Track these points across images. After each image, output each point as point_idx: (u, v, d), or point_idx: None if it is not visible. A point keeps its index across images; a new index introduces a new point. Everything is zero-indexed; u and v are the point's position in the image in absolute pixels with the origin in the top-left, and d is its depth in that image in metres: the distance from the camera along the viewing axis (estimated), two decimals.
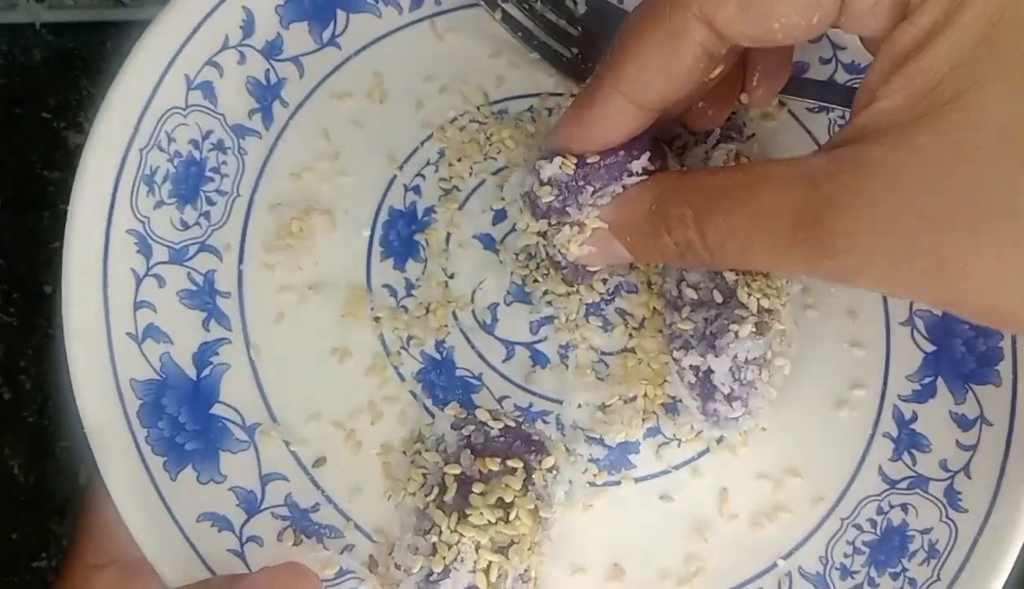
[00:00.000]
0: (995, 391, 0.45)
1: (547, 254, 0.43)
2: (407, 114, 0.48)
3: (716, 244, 0.36)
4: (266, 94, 0.47)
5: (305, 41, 0.48)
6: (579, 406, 0.45)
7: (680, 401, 0.45)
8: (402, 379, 0.45)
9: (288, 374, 0.44)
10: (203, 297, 0.44)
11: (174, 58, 0.44)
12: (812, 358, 0.46)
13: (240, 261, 0.45)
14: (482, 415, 0.43)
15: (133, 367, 0.42)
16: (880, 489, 0.45)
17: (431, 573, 0.39)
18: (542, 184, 0.41)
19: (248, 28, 0.46)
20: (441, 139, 0.48)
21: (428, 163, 0.48)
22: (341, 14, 0.49)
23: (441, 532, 0.39)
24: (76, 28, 0.62)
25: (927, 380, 0.46)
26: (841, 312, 0.47)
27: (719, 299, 0.43)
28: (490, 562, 0.39)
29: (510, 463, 0.40)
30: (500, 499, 0.40)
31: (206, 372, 0.43)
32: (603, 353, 0.46)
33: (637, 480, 0.45)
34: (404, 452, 0.43)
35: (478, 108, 0.49)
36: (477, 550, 0.39)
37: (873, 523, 0.44)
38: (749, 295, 0.42)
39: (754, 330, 0.42)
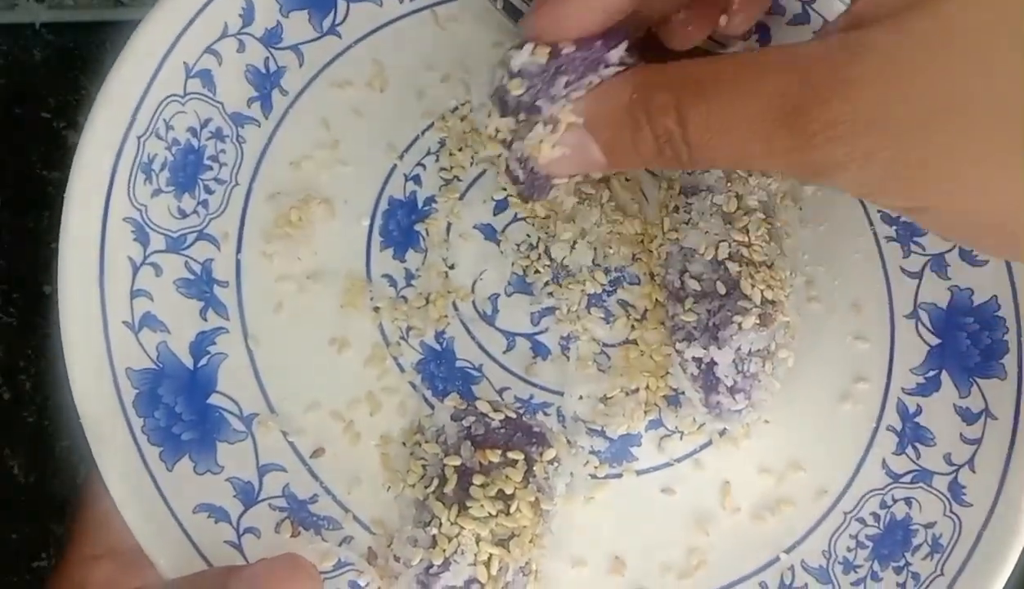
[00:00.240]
0: (1000, 385, 0.44)
1: (506, 167, 0.40)
2: (408, 103, 0.48)
3: (697, 135, 0.35)
4: (265, 82, 0.46)
5: (305, 29, 0.47)
6: (580, 398, 0.45)
7: (682, 393, 0.44)
8: (402, 370, 0.44)
9: (286, 364, 0.44)
10: (200, 286, 0.44)
11: (173, 45, 0.44)
12: (816, 351, 0.46)
13: (238, 250, 0.45)
14: (483, 406, 0.42)
15: (129, 356, 0.41)
16: (884, 483, 0.44)
17: (431, 565, 0.38)
18: (512, 76, 0.38)
19: (248, 16, 0.46)
20: (442, 129, 0.48)
21: (429, 152, 0.47)
22: (341, 2, 0.48)
23: (441, 524, 0.39)
24: (76, 28, 0.62)
25: (931, 373, 0.46)
26: (845, 305, 0.47)
27: (722, 290, 0.42)
28: (491, 555, 0.38)
29: (511, 455, 0.40)
30: (501, 491, 0.39)
31: (203, 362, 0.43)
32: (605, 345, 0.46)
33: (639, 473, 0.44)
34: (404, 443, 0.43)
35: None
36: (477, 542, 0.38)
37: (876, 517, 0.44)
38: (753, 286, 0.42)
39: (758, 322, 0.42)
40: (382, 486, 0.43)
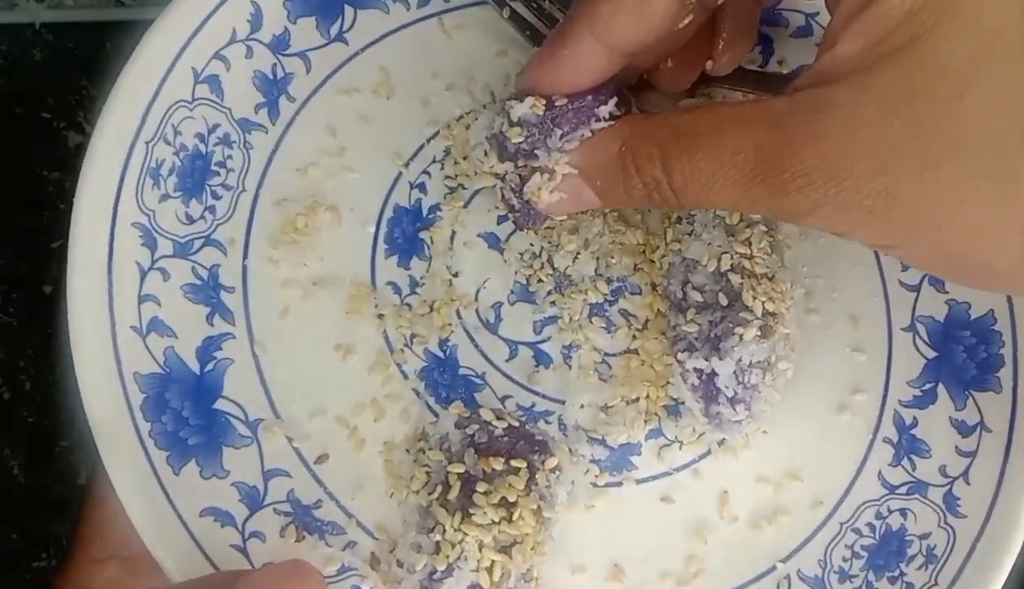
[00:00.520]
0: (995, 398, 0.45)
1: (502, 196, 0.43)
2: (413, 111, 0.48)
3: (681, 183, 0.37)
4: (273, 89, 0.47)
5: (312, 36, 0.48)
6: (582, 407, 0.45)
7: (682, 403, 0.45)
8: (405, 377, 0.45)
9: (291, 370, 0.44)
10: (207, 291, 0.44)
11: (181, 51, 0.44)
12: (814, 363, 0.46)
13: (245, 256, 0.45)
14: (486, 414, 0.43)
15: (137, 361, 0.42)
16: (879, 494, 0.45)
17: (434, 571, 0.39)
18: (512, 125, 0.41)
19: (256, 22, 0.46)
20: (447, 137, 0.48)
21: (434, 161, 0.48)
22: (349, 10, 0.48)
23: (445, 531, 0.39)
24: (76, 28, 0.61)
25: (928, 386, 0.46)
26: (843, 317, 0.47)
27: (724, 302, 0.43)
28: (493, 561, 0.39)
29: (514, 463, 0.41)
30: (504, 499, 0.40)
31: (210, 367, 0.43)
32: (606, 354, 0.46)
33: (638, 481, 0.45)
34: (408, 450, 0.43)
35: (484, 107, 0.49)
36: (480, 549, 0.39)
37: (872, 527, 0.45)
38: (754, 298, 0.43)
39: (759, 333, 0.42)
40: (385, 492, 0.43)
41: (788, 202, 0.35)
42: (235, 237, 0.45)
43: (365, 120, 0.48)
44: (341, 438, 0.44)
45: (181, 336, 0.43)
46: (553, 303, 0.47)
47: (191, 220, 0.44)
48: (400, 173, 0.47)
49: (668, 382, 0.45)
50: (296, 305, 0.45)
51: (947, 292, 0.47)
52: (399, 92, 0.48)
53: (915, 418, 0.46)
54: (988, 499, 0.44)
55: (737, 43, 0.44)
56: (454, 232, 0.47)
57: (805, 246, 0.48)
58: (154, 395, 0.42)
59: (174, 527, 0.40)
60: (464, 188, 0.48)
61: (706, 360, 0.43)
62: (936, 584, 0.43)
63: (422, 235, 0.47)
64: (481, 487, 0.40)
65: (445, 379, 0.45)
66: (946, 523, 0.44)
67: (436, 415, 0.44)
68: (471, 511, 0.39)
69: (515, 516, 0.40)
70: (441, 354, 0.45)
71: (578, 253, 0.47)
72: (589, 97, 0.40)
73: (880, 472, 0.45)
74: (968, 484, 0.44)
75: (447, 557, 0.39)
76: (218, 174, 0.45)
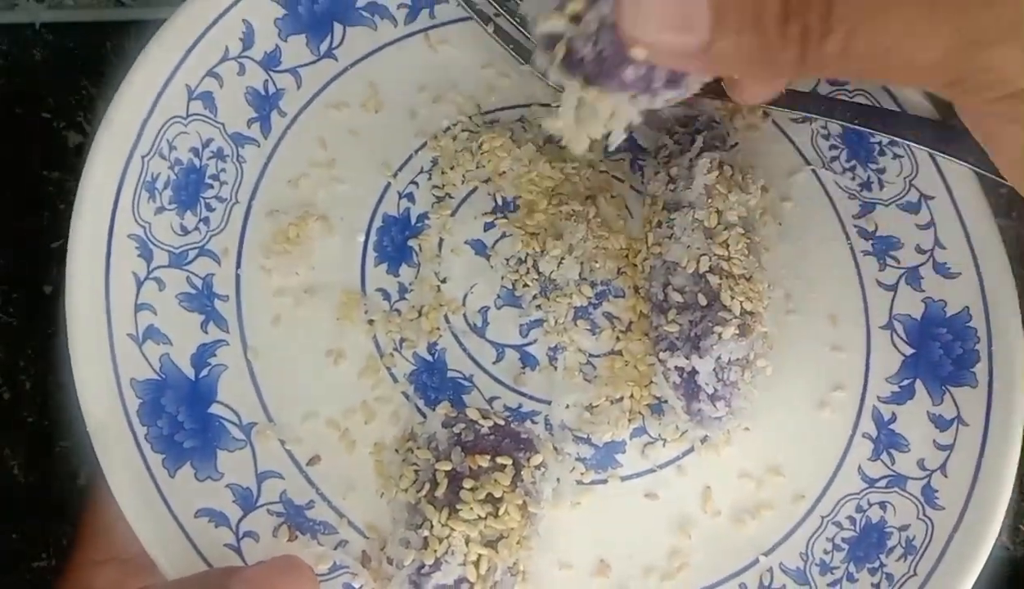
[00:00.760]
0: (971, 393, 0.46)
1: (567, 50, 0.34)
2: (401, 123, 0.50)
3: (847, 35, 0.30)
4: (264, 104, 0.48)
5: (303, 53, 0.49)
6: (567, 407, 0.46)
7: (665, 402, 0.46)
8: (395, 380, 0.46)
9: (284, 375, 0.45)
10: (202, 300, 0.45)
11: (176, 69, 0.46)
12: (794, 361, 0.48)
13: (238, 265, 0.46)
14: (472, 414, 0.44)
15: (134, 367, 0.43)
16: (859, 487, 0.46)
17: (422, 566, 0.40)
18: None
19: (248, 40, 0.48)
20: (434, 148, 0.50)
21: (421, 171, 0.49)
22: (338, 27, 0.50)
23: (432, 526, 0.40)
24: (76, 28, 0.62)
25: (906, 382, 0.47)
26: (823, 316, 0.49)
27: (703, 302, 0.44)
28: (480, 555, 0.40)
29: (499, 460, 0.42)
30: (489, 495, 0.41)
31: (204, 373, 0.44)
32: (591, 355, 0.47)
33: (623, 478, 0.46)
34: (397, 450, 0.44)
35: (470, 118, 0.50)
36: (467, 544, 0.40)
37: (852, 520, 0.45)
38: (732, 298, 0.44)
39: (737, 332, 0.43)
40: (376, 492, 0.44)
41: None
42: (228, 247, 0.46)
43: (354, 133, 0.49)
44: (332, 440, 0.45)
45: (176, 343, 0.44)
46: (539, 307, 0.48)
47: (186, 231, 0.46)
48: (389, 183, 0.49)
49: (651, 381, 0.47)
50: (288, 312, 0.46)
51: (923, 290, 0.48)
52: (387, 105, 0.50)
53: (893, 413, 0.47)
54: (965, 491, 0.45)
55: None
56: (442, 239, 0.48)
57: (785, 248, 0.49)
58: (150, 400, 0.43)
59: (170, 528, 0.41)
60: (451, 197, 0.49)
61: (687, 359, 0.44)
62: (915, 574, 0.44)
63: (410, 243, 0.48)
64: (468, 484, 0.41)
65: (434, 382, 0.46)
66: (924, 515, 0.45)
67: (425, 416, 0.45)
68: (458, 507, 0.40)
69: (501, 511, 0.41)
70: (430, 357, 0.47)
71: (562, 258, 0.48)
72: None
73: (860, 466, 0.46)
74: (946, 477, 0.45)
75: (435, 552, 0.40)
76: (212, 187, 0.47)
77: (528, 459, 0.43)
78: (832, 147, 0.52)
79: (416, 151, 0.50)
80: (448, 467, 0.42)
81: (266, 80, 0.48)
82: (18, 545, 0.55)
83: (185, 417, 0.43)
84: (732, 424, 0.45)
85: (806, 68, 0.31)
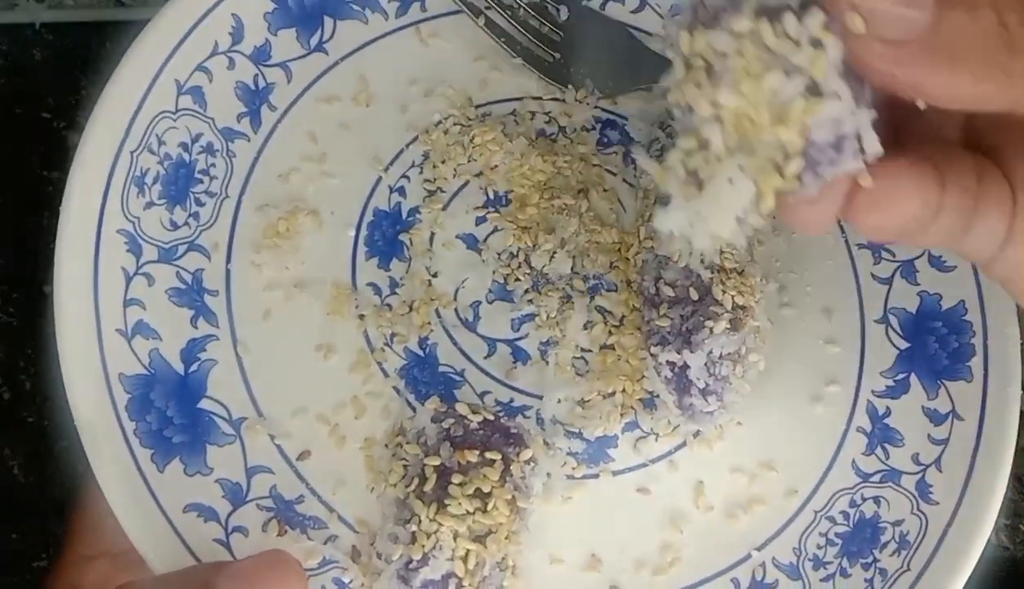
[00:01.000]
0: (966, 387, 0.46)
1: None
2: (392, 117, 0.50)
3: None
4: (254, 98, 0.48)
5: (293, 47, 0.49)
6: (559, 401, 0.46)
7: (657, 396, 0.46)
8: (386, 375, 0.46)
9: (274, 370, 0.45)
10: (191, 295, 0.45)
11: (165, 63, 0.46)
12: (788, 355, 0.47)
13: (228, 260, 0.46)
14: (462, 409, 0.44)
15: (123, 362, 0.43)
16: (853, 482, 0.46)
17: (410, 561, 0.39)
18: None
19: (237, 34, 0.48)
20: (425, 142, 0.49)
21: (413, 165, 0.49)
22: (328, 20, 0.50)
23: (421, 521, 0.40)
24: (76, 28, 0.62)
25: (900, 376, 0.47)
26: (817, 310, 0.48)
27: (695, 296, 0.44)
28: (468, 550, 0.40)
29: (488, 455, 0.41)
30: (478, 489, 0.41)
31: (194, 368, 0.44)
32: (583, 350, 0.47)
33: (615, 473, 0.45)
34: (386, 445, 0.44)
35: (462, 111, 0.50)
36: (455, 538, 0.40)
37: (846, 515, 0.45)
38: (724, 292, 0.43)
39: (728, 326, 0.43)
40: (366, 487, 0.44)
41: None
42: (218, 242, 0.46)
43: (345, 127, 0.49)
44: (323, 435, 0.44)
45: (166, 338, 0.44)
46: (530, 301, 0.48)
47: (175, 226, 0.46)
48: (380, 177, 0.49)
49: (643, 376, 0.46)
50: (278, 307, 0.46)
51: (919, 284, 0.48)
52: (378, 99, 0.50)
53: (888, 408, 0.47)
54: (959, 486, 0.44)
55: None
56: (433, 234, 0.48)
57: (779, 242, 0.49)
58: (139, 395, 0.43)
59: (158, 522, 0.41)
60: (443, 191, 0.49)
61: (678, 353, 0.43)
62: (908, 569, 0.43)
63: (402, 237, 0.48)
64: (456, 479, 0.41)
65: (425, 376, 0.46)
66: (918, 510, 0.44)
67: (415, 411, 0.45)
68: (446, 502, 0.40)
69: (489, 506, 0.40)
70: (421, 352, 0.46)
71: (555, 252, 0.48)
72: None
73: (854, 461, 0.46)
74: (940, 471, 0.45)
75: (423, 547, 0.40)
76: (201, 182, 0.47)
77: (518, 454, 0.42)
78: None
79: (407, 145, 0.49)
80: (436, 462, 0.41)
81: (256, 74, 0.48)
82: (18, 545, 0.55)
83: (174, 412, 0.43)
84: (724, 418, 0.45)
85: None
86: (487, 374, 0.46)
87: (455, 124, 0.50)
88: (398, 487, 0.42)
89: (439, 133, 0.49)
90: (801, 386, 0.47)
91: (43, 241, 0.57)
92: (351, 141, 0.49)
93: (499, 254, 0.48)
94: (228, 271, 0.46)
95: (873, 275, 0.48)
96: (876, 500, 0.45)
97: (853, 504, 0.45)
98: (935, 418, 0.46)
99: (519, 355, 0.47)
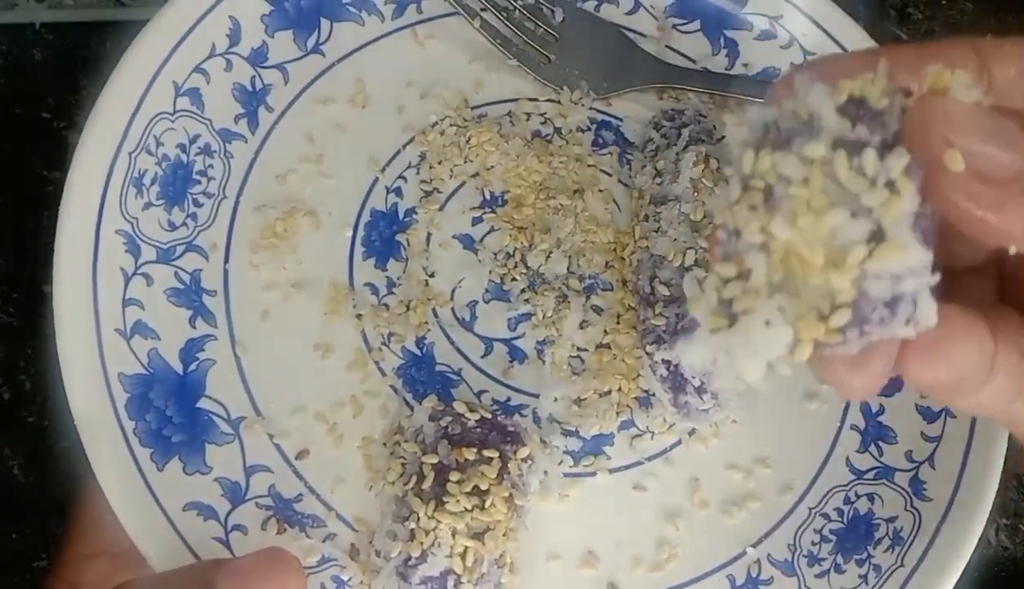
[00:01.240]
0: None
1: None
2: (389, 119, 0.50)
3: None
4: (252, 100, 0.48)
5: (290, 49, 0.50)
6: (555, 400, 0.46)
7: (653, 395, 0.46)
8: (383, 374, 0.46)
9: (272, 369, 0.45)
10: (190, 295, 0.45)
11: (162, 65, 0.46)
12: None
13: (226, 260, 0.46)
14: (459, 407, 0.44)
15: (122, 362, 0.43)
16: (847, 479, 0.46)
17: (409, 558, 0.40)
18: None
19: (234, 36, 0.48)
20: (422, 143, 0.50)
21: (409, 166, 0.49)
22: (325, 23, 0.50)
23: (419, 519, 0.40)
24: (76, 28, 0.62)
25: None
26: None
27: None
28: (466, 547, 0.40)
29: (486, 453, 0.42)
30: (476, 487, 0.41)
31: (192, 367, 0.45)
32: (579, 349, 0.47)
33: (611, 471, 0.46)
34: (384, 443, 0.45)
35: (458, 113, 0.50)
36: (453, 536, 0.40)
37: (840, 512, 0.46)
38: None
39: None
40: (364, 485, 0.44)
41: None
42: (216, 242, 0.47)
43: (342, 128, 0.49)
44: (321, 434, 0.45)
45: (164, 338, 0.44)
46: (527, 301, 0.48)
47: (173, 227, 0.46)
48: (376, 178, 0.49)
49: (639, 374, 0.47)
50: (276, 307, 0.46)
51: None
52: (374, 101, 0.50)
53: (882, 405, 0.47)
54: (952, 482, 0.45)
55: None
56: (430, 234, 0.49)
57: None
58: (138, 395, 0.43)
59: (158, 521, 0.41)
60: (439, 192, 0.49)
61: (673, 351, 0.44)
62: (902, 565, 0.44)
63: (398, 237, 0.48)
64: (454, 476, 0.41)
65: (422, 376, 0.46)
66: (912, 506, 0.45)
67: (412, 410, 0.45)
68: (444, 499, 0.40)
69: (487, 504, 0.41)
70: (418, 351, 0.47)
71: (550, 252, 0.48)
72: None
73: (848, 458, 0.46)
74: (933, 468, 0.46)
75: (421, 544, 0.40)
76: (199, 182, 0.47)
77: (515, 452, 0.43)
78: None
79: (404, 146, 0.50)
80: (434, 460, 0.42)
81: (253, 76, 0.49)
82: (18, 545, 0.55)
83: (173, 411, 0.43)
84: (719, 416, 0.46)
85: None
86: (484, 373, 0.47)
87: (451, 125, 0.50)
88: (396, 485, 0.42)
89: (435, 134, 0.50)
90: (795, 384, 0.48)
91: (43, 241, 0.57)
92: (348, 142, 0.49)
93: (495, 254, 0.48)
94: (226, 271, 0.46)
95: None
96: (870, 497, 0.46)
97: (847, 501, 0.46)
98: (928, 416, 0.46)
99: (516, 354, 0.47)
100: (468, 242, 0.49)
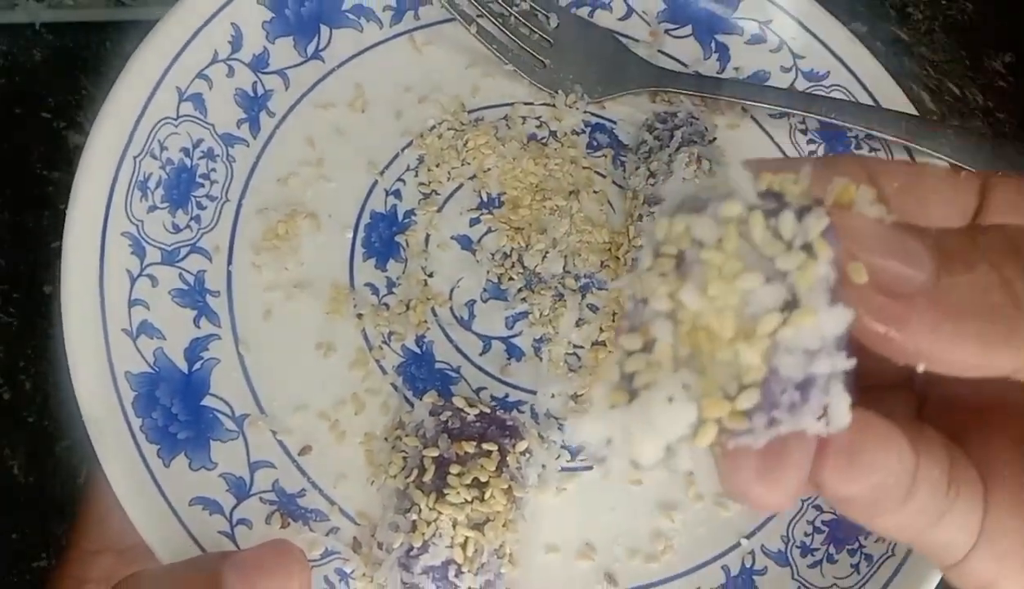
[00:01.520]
0: None
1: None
2: (387, 123, 0.51)
3: None
4: (253, 105, 0.49)
5: (290, 55, 0.51)
6: (553, 396, 0.47)
7: None
8: (384, 372, 0.47)
9: (275, 368, 0.46)
10: (194, 296, 0.46)
11: (166, 71, 0.47)
12: None
13: (229, 262, 0.47)
14: (459, 402, 0.45)
15: (128, 361, 0.44)
16: None
17: (411, 548, 0.41)
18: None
19: (236, 43, 0.49)
20: (420, 146, 0.51)
21: (408, 169, 0.51)
22: (324, 29, 0.51)
23: (420, 510, 0.41)
24: (76, 28, 0.62)
25: None
26: None
27: None
28: (467, 537, 0.41)
29: (485, 446, 0.43)
30: (476, 479, 0.42)
31: (197, 366, 0.45)
32: (575, 346, 0.48)
33: None
34: (385, 438, 0.45)
35: (455, 116, 0.52)
36: (454, 526, 0.41)
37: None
38: None
39: None
40: (366, 480, 0.45)
41: None
42: (220, 244, 0.48)
43: (341, 132, 0.51)
44: (323, 431, 0.46)
45: (169, 338, 0.45)
46: (524, 299, 0.49)
47: (177, 229, 0.47)
48: (376, 181, 0.50)
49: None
50: (279, 307, 0.47)
51: None
52: (373, 105, 0.51)
53: None
54: None
55: None
56: (428, 235, 0.50)
57: None
58: (144, 393, 0.44)
59: (165, 515, 0.42)
60: (437, 194, 0.50)
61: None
62: (893, 555, 0.45)
63: (398, 239, 0.49)
64: (454, 469, 0.42)
65: (422, 373, 0.47)
66: None
67: (413, 407, 0.46)
68: (445, 491, 0.41)
69: (487, 495, 0.42)
70: (418, 350, 0.48)
71: (547, 252, 0.50)
72: None
73: None
74: None
75: (423, 535, 0.41)
76: (203, 186, 0.48)
77: (514, 445, 0.44)
78: (810, 141, 0.53)
79: (402, 149, 0.51)
80: (435, 453, 0.43)
81: (255, 81, 0.50)
82: (18, 545, 0.55)
83: (179, 409, 0.44)
84: None
85: None
86: (482, 370, 0.48)
87: (449, 129, 0.51)
88: (398, 478, 0.43)
89: (433, 138, 0.51)
90: None
91: (43, 241, 0.58)
92: (348, 146, 0.50)
93: (493, 254, 0.50)
94: (229, 272, 0.47)
95: None
96: None
97: None
98: None
99: (513, 352, 0.48)
100: (466, 243, 0.50)
